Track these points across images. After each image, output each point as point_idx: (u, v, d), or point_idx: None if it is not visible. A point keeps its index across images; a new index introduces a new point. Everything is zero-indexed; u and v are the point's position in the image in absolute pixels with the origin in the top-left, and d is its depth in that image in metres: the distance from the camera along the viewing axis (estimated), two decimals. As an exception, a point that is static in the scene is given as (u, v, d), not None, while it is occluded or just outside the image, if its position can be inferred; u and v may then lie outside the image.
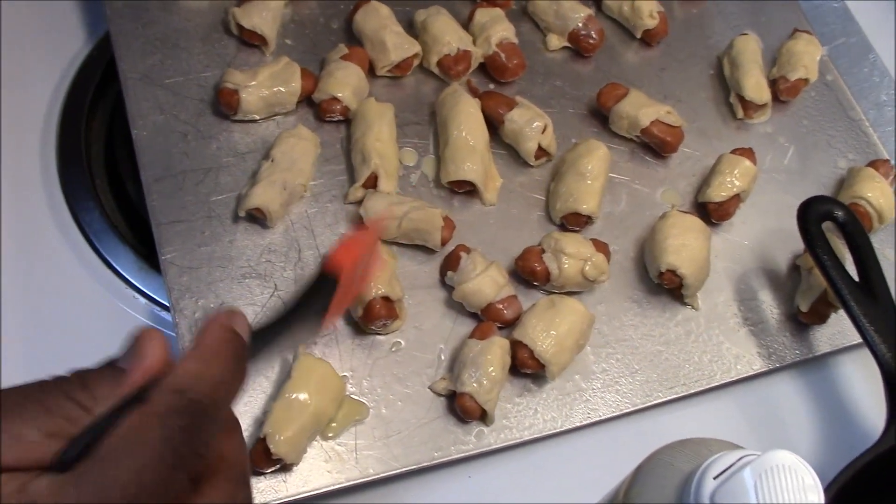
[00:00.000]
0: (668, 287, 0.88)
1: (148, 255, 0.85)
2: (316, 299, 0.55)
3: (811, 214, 0.86)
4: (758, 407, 0.90)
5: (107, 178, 0.92)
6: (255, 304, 0.81)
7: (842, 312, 0.84)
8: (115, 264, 0.86)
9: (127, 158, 0.88)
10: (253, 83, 0.88)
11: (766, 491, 0.47)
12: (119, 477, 0.39)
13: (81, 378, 0.44)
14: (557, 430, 0.82)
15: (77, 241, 0.87)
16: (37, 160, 0.91)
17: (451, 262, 0.85)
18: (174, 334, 0.78)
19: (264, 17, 0.93)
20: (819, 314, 0.90)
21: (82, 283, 0.85)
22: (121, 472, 0.39)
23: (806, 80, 1.02)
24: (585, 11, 1.01)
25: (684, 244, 0.87)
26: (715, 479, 0.48)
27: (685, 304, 0.90)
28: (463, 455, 0.79)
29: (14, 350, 0.80)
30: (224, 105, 0.88)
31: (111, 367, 0.45)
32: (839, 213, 0.87)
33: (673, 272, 0.86)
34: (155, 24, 0.93)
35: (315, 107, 0.92)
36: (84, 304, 0.84)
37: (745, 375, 0.88)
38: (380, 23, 0.95)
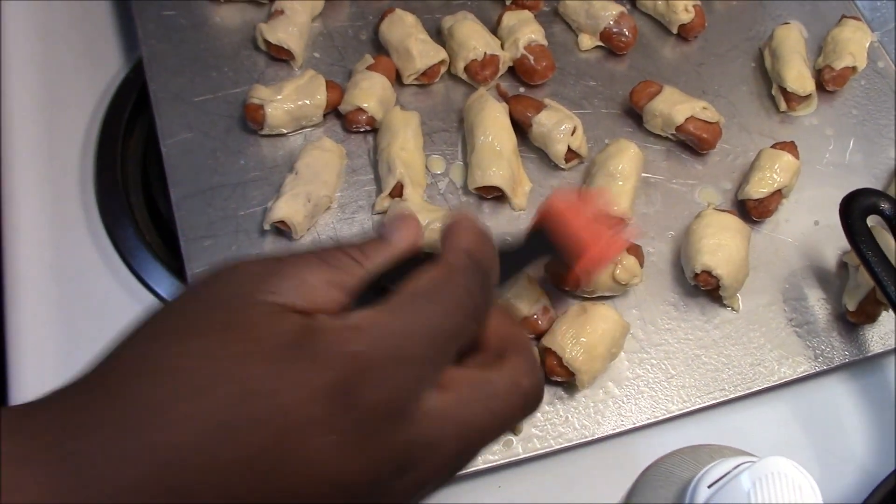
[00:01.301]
0: (704, 289, 0.85)
1: (180, 270, 0.86)
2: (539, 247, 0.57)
3: (854, 208, 0.82)
4: (806, 411, 0.86)
5: (142, 195, 0.93)
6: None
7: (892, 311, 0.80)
8: (148, 281, 0.87)
9: (160, 176, 0.90)
10: (278, 97, 0.89)
11: (762, 498, 0.45)
12: (429, 315, 0.44)
13: (352, 242, 0.49)
14: (589, 439, 0.80)
15: (112, 258, 0.89)
16: (76, 179, 0.93)
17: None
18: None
19: (290, 32, 0.93)
20: (868, 313, 0.85)
21: (117, 299, 0.87)
22: (430, 311, 0.44)
23: (853, 69, 0.98)
24: (617, 9, 0.98)
25: (720, 244, 0.84)
26: (710, 486, 0.46)
27: (725, 305, 0.87)
28: (491, 465, 0.78)
29: (49, 365, 0.82)
30: (250, 120, 0.89)
31: (378, 237, 0.51)
32: (885, 207, 0.83)
33: (709, 273, 0.83)
34: (186, 44, 0.95)
35: (342, 118, 0.92)
36: (118, 320, 0.85)
37: (788, 379, 0.84)
38: (405, 31, 0.94)
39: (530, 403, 0.48)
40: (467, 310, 0.46)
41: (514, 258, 0.56)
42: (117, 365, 0.43)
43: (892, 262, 0.80)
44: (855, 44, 0.98)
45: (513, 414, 0.47)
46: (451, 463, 0.45)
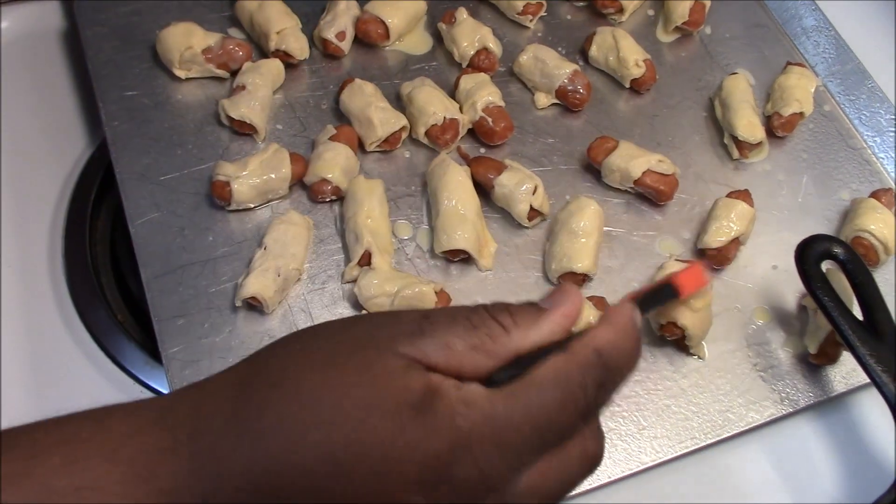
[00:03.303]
0: (671, 339, 0.87)
1: (154, 349, 0.87)
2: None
3: (809, 255, 0.85)
4: (777, 452, 0.88)
5: (112, 275, 0.94)
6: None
7: (852, 351, 0.83)
8: (121, 360, 0.88)
9: (129, 256, 0.90)
10: (244, 173, 0.90)
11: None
12: (541, 405, 0.46)
13: (506, 306, 0.50)
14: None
15: (84, 339, 0.89)
16: (44, 261, 0.94)
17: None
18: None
19: (252, 107, 0.95)
20: (829, 355, 0.88)
21: (89, 379, 0.88)
22: (542, 401, 0.46)
23: (801, 114, 1.01)
24: (571, 67, 1.01)
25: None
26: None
27: (691, 354, 0.89)
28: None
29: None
30: (217, 197, 0.90)
31: (533, 304, 0.51)
32: (838, 251, 0.85)
33: (674, 324, 0.85)
34: (149, 123, 0.97)
35: (308, 189, 0.94)
36: (91, 400, 0.86)
37: (756, 424, 0.86)
38: (365, 100, 0.97)
39: (595, 465, 0.50)
40: (579, 407, 0.47)
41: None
42: (260, 373, 0.48)
43: (848, 305, 0.83)
44: (801, 90, 1.02)
45: (581, 478, 0.49)
46: (527, 458, 0.47)
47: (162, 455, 0.46)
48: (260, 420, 0.45)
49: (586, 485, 0.81)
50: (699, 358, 0.89)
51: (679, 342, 0.88)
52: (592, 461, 0.50)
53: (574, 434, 0.49)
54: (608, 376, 0.49)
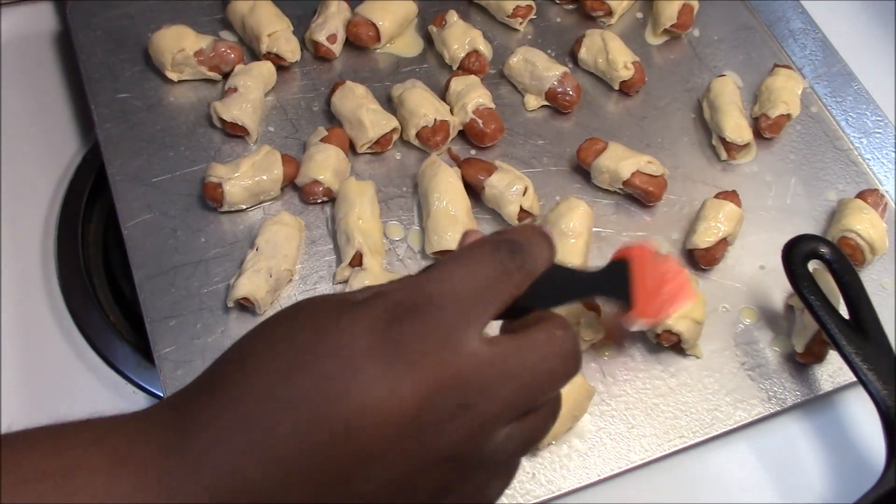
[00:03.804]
0: (667, 346, 0.88)
1: (147, 350, 0.87)
2: (609, 282, 0.58)
3: (796, 254, 0.86)
4: (765, 451, 0.89)
5: (105, 277, 0.95)
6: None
7: (838, 350, 0.84)
8: (114, 362, 0.88)
9: (122, 258, 0.91)
10: (236, 175, 0.91)
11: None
12: (464, 269, 0.48)
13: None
14: (555, 494, 0.82)
15: (77, 341, 0.90)
16: (37, 263, 0.94)
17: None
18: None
19: (244, 109, 0.96)
20: (815, 354, 0.89)
21: (83, 381, 0.88)
22: (465, 268, 0.48)
23: (788, 116, 1.02)
24: (560, 69, 1.02)
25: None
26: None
27: (686, 355, 0.90)
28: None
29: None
30: (209, 199, 0.91)
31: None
32: (825, 251, 0.86)
33: (669, 331, 0.86)
34: (142, 126, 0.97)
35: (299, 191, 0.94)
36: (85, 402, 0.87)
37: (744, 422, 0.87)
38: (356, 102, 0.97)
39: (568, 354, 0.49)
40: (498, 270, 0.48)
41: (576, 283, 0.57)
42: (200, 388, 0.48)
43: (835, 304, 0.84)
44: (788, 92, 1.03)
45: (553, 362, 0.49)
46: (508, 413, 0.47)
47: (140, 468, 0.45)
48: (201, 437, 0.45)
49: (575, 483, 0.82)
50: (696, 357, 0.90)
51: (675, 346, 0.89)
52: (562, 344, 0.49)
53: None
54: (513, 245, 0.50)
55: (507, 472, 0.51)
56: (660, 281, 0.59)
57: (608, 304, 0.58)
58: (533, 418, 0.49)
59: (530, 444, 0.50)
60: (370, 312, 0.46)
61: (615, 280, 0.58)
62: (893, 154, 1.04)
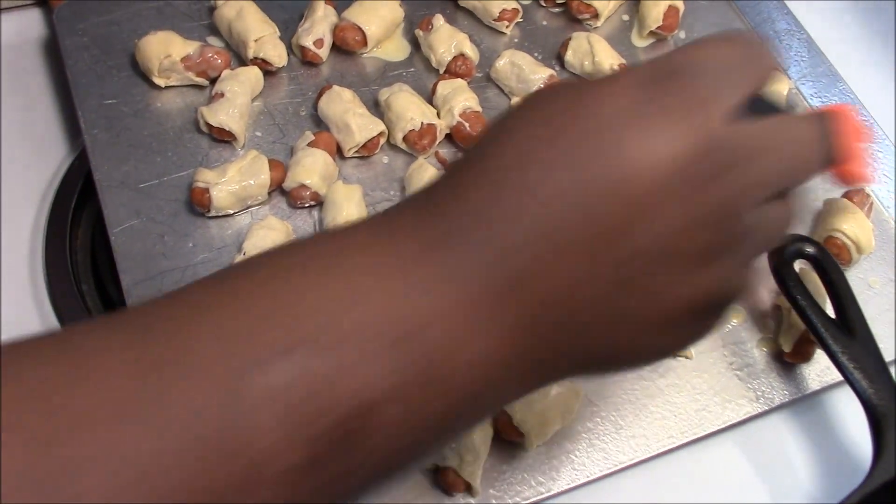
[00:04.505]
0: (650, 341, 0.88)
1: (135, 356, 0.87)
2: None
3: (782, 254, 0.86)
4: (754, 450, 0.89)
5: (94, 283, 0.95)
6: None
7: (825, 349, 0.84)
8: (103, 369, 0.88)
9: (110, 263, 0.91)
10: (223, 180, 0.91)
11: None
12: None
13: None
14: (544, 496, 0.82)
15: (66, 349, 0.89)
16: (25, 269, 0.94)
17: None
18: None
19: (231, 114, 0.96)
20: (803, 353, 0.89)
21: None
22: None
23: (774, 116, 1.03)
24: (546, 72, 1.02)
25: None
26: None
27: (675, 356, 0.90)
28: (451, 529, 0.80)
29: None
30: (197, 204, 0.91)
31: None
32: (811, 250, 0.87)
33: (657, 327, 0.86)
34: (129, 131, 0.97)
35: (287, 195, 0.95)
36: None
37: (733, 422, 0.87)
38: (343, 107, 0.97)
39: (819, 145, 0.52)
40: (744, 53, 0.50)
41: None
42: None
43: (821, 304, 0.84)
44: (773, 92, 1.03)
45: (808, 147, 0.52)
46: (769, 183, 0.49)
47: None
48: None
49: (565, 484, 0.82)
50: (686, 358, 0.90)
51: (659, 345, 0.89)
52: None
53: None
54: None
55: (748, 275, 0.52)
56: (861, 143, 0.57)
57: None
58: (781, 206, 0.51)
59: (777, 232, 0.53)
60: (629, 75, 0.47)
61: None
62: (879, 154, 1.05)
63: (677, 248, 0.46)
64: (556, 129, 0.45)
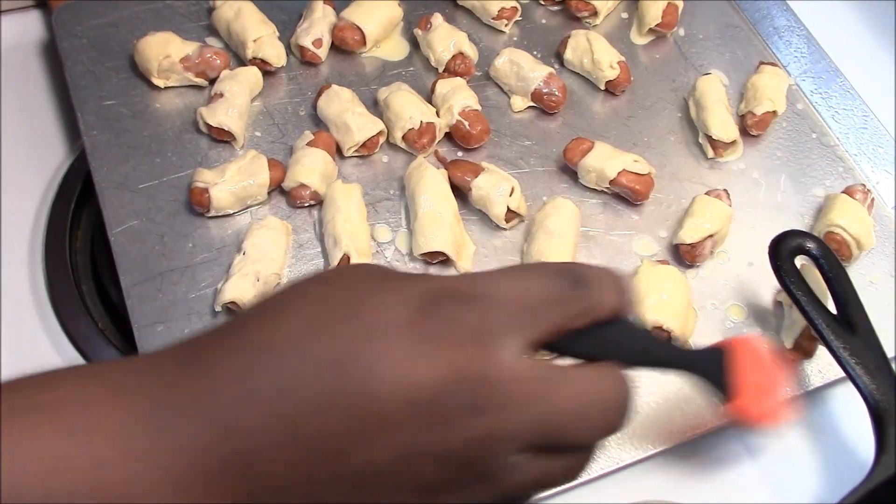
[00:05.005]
0: (655, 342, 0.88)
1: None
2: (704, 364, 0.53)
3: (783, 250, 0.86)
4: (756, 447, 0.89)
5: (93, 284, 0.95)
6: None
7: (827, 346, 0.84)
8: (103, 369, 0.88)
9: (109, 264, 0.91)
10: (222, 180, 0.91)
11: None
12: (526, 281, 0.48)
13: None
14: (544, 494, 0.81)
15: (66, 348, 0.90)
16: (25, 271, 0.94)
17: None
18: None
19: (230, 114, 0.96)
20: (804, 349, 0.89)
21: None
22: (528, 280, 0.48)
23: (774, 113, 1.02)
24: (546, 70, 1.02)
25: (663, 297, 0.87)
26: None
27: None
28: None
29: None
30: (196, 204, 0.91)
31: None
32: (811, 246, 0.86)
33: (660, 328, 0.86)
34: (128, 132, 0.97)
35: (286, 195, 0.94)
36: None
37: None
38: (342, 106, 0.97)
39: (612, 406, 0.46)
40: (554, 293, 0.47)
41: (660, 351, 0.52)
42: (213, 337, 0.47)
43: (822, 300, 0.84)
44: (773, 89, 1.03)
45: (592, 408, 0.45)
46: (523, 437, 0.44)
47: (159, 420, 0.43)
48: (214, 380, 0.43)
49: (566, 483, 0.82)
50: (684, 354, 0.90)
51: (664, 344, 0.89)
52: (605, 395, 0.46)
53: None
54: (577, 278, 0.48)
55: None
56: (769, 380, 0.55)
57: (701, 389, 0.54)
58: (553, 460, 0.46)
59: (540, 485, 0.47)
60: (415, 286, 0.45)
61: (712, 364, 0.53)
62: (880, 149, 1.04)
63: (407, 475, 0.44)
64: (330, 319, 0.44)
